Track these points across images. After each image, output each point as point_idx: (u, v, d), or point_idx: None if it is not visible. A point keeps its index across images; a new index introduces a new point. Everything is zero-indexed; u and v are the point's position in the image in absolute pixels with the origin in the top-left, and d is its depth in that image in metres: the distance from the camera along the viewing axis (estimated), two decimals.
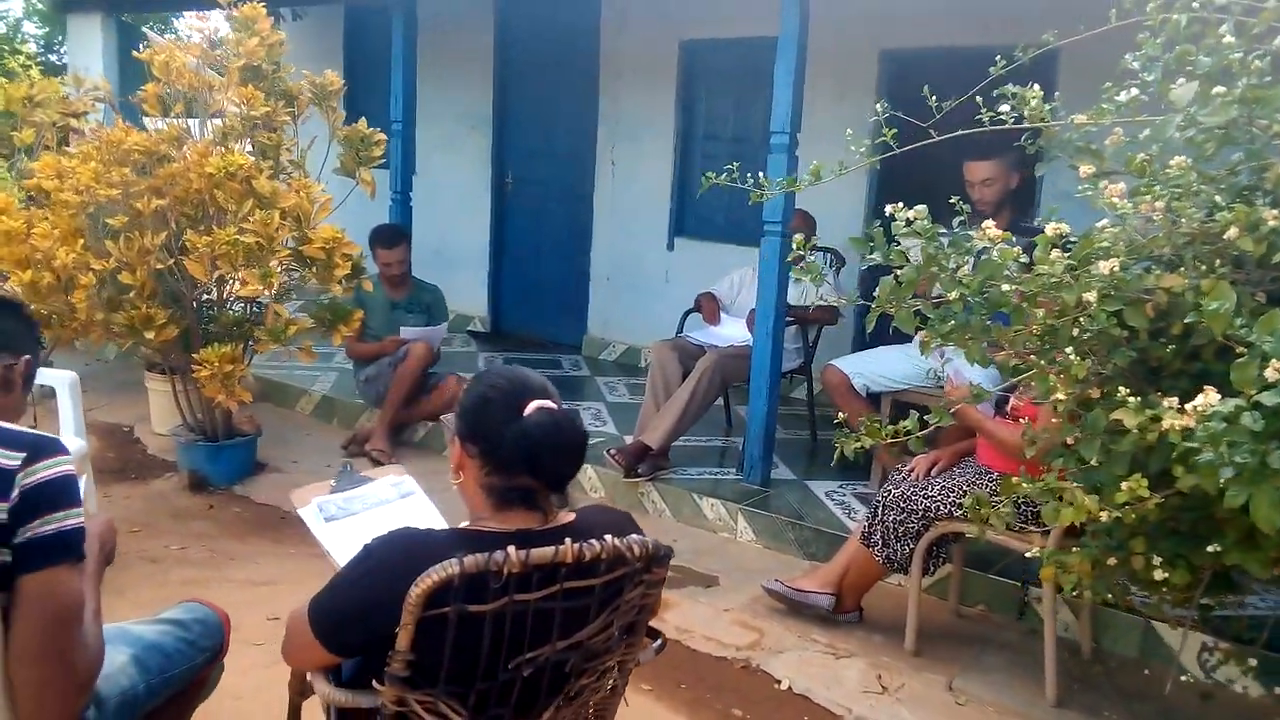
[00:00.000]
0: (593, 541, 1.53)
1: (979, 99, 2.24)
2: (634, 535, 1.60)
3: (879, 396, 4.19)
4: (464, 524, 1.67)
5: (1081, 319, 1.95)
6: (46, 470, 1.42)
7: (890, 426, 2.25)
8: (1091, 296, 1.95)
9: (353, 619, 1.56)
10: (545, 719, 1.66)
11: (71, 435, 3.50)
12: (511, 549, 1.47)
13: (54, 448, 1.44)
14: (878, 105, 2.56)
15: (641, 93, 6.45)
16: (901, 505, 3.05)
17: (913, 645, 3.13)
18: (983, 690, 2.97)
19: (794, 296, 4.68)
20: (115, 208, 3.75)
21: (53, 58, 12.29)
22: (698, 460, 4.57)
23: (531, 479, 1.58)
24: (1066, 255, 2.02)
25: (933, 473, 3.15)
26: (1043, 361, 2.06)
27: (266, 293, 3.76)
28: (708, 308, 4.76)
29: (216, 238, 3.63)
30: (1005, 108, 2.20)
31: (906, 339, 4.31)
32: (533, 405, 1.58)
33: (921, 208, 1.95)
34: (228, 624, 2.04)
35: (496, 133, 7.23)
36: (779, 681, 3.04)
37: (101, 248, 3.76)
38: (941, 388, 4.03)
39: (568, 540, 1.51)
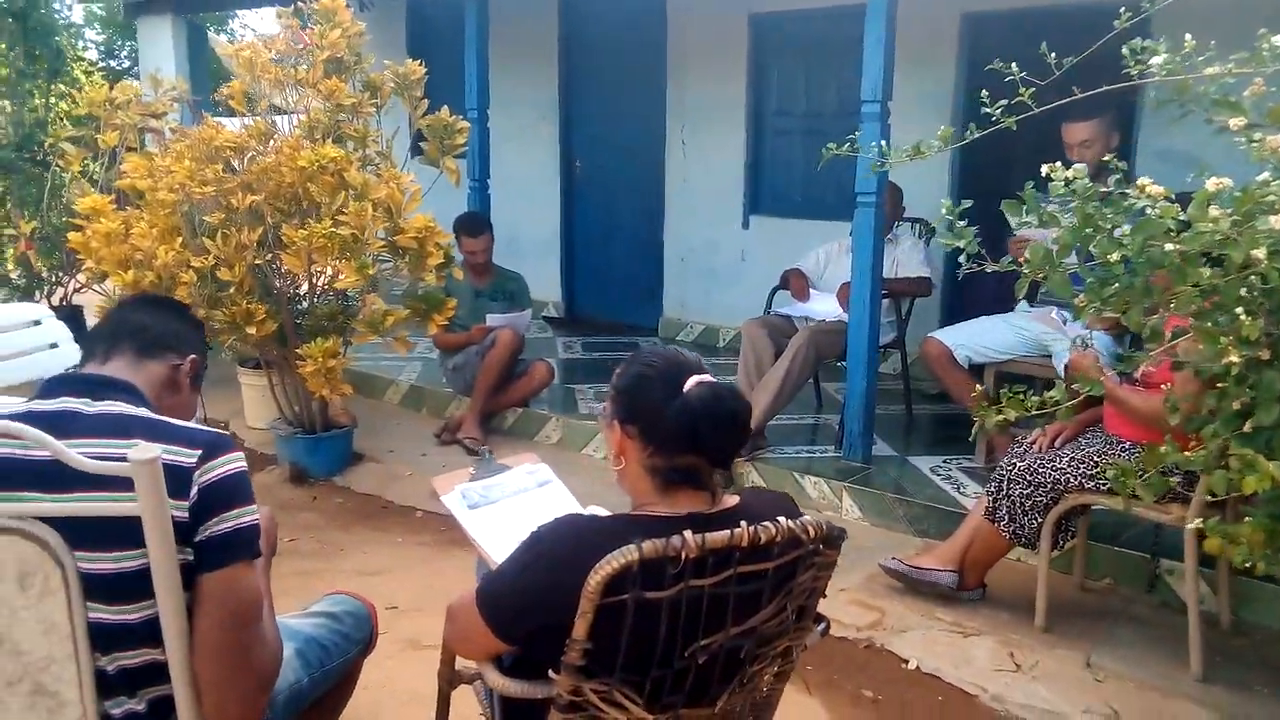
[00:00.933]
0: (767, 524, 1.48)
1: (1070, 59, 2.12)
2: (805, 517, 1.55)
3: (981, 368, 4.08)
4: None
5: (1252, 277, 1.85)
6: (223, 467, 1.40)
7: (1035, 398, 2.16)
8: (1261, 253, 1.84)
9: (526, 607, 1.53)
10: (719, 706, 1.62)
11: None
12: (688, 533, 1.43)
13: (228, 445, 1.43)
14: (996, 66, 2.42)
15: (711, 70, 6.36)
16: (1028, 479, 2.95)
17: (1043, 621, 3.04)
18: (1121, 666, 2.88)
19: (884, 269, 4.59)
20: (210, 205, 3.78)
21: (113, 63, 12.49)
22: (791, 438, 4.50)
23: (696, 456, 1.54)
24: (1229, 212, 1.91)
25: (1057, 444, 3.06)
26: (1207, 324, 1.96)
27: (362, 284, 3.76)
28: (796, 284, 4.68)
29: (313, 231, 3.64)
30: (1132, 63, 2.08)
31: (1007, 308, 4.21)
32: (692, 380, 1.54)
33: (1080, 166, 1.86)
34: (375, 615, 2.03)
35: (564, 119, 7.20)
36: (906, 661, 2.98)
37: (198, 245, 3.78)
38: (1046, 357, 3.94)
39: (743, 523, 1.46)
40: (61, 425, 1.38)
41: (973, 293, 5.59)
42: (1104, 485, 2.85)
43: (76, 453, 1.31)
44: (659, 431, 1.54)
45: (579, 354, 6.36)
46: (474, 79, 5.24)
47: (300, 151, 3.70)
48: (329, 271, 3.90)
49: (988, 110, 2.22)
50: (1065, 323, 3.05)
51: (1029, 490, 2.96)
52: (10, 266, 6.68)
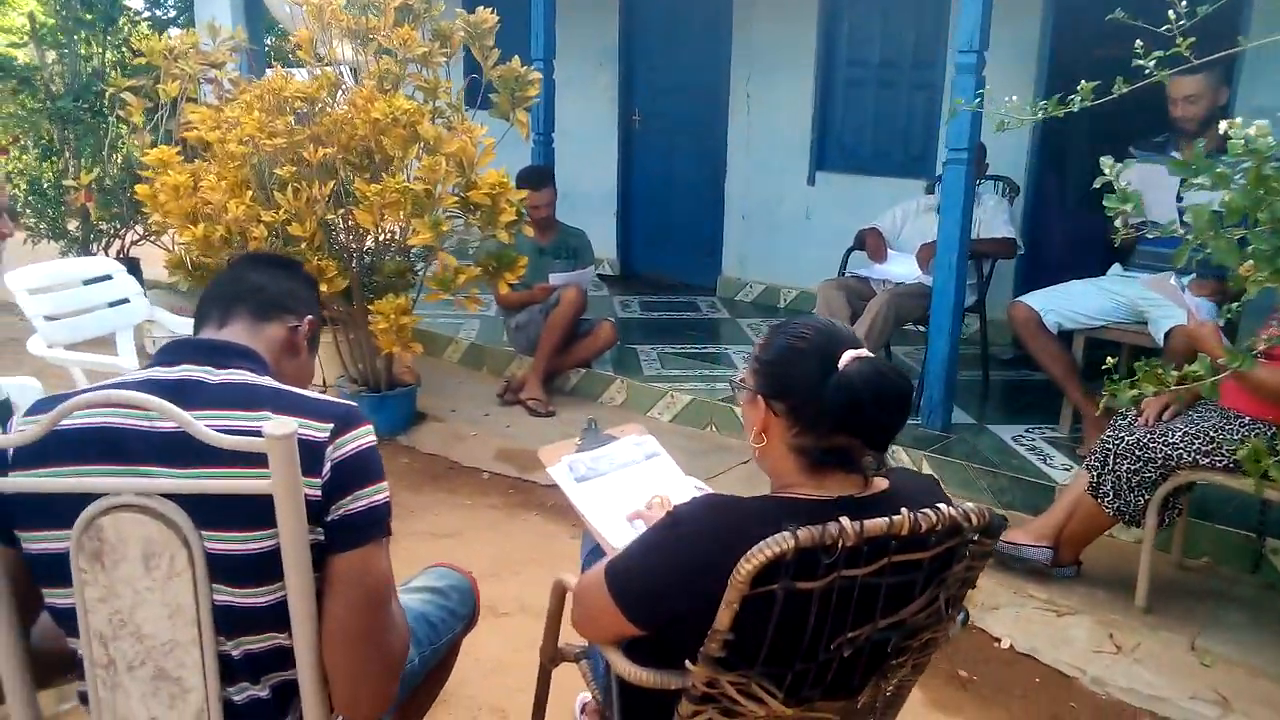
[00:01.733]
0: (927, 511, 1.38)
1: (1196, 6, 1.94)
2: (967, 504, 1.44)
3: (1070, 334, 3.92)
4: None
5: None
6: (355, 442, 1.31)
7: (1175, 372, 2.02)
8: None
9: (662, 591, 1.44)
10: (861, 700, 1.53)
11: None
12: (845, 520, 1.33)
13: (359, 417, 1.34)
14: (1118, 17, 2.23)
15: (778, 19, 6.14)
16: (1137, 454, 2.82)
17: (1144, 601, 2.92)
18: (1230, 650, 2.76)
19: None
20: (278, 158, 3.69)
21: (158, 12, 12.42)
22: None
23: (850, 437, 1.43)
24: None
25: (1164, 417, 2.92)
26: None
27: (434, 241, 3.66)
28: (874, 244, 4.52)
29: (386, 186, 3.54)
30: None
31: (1085, 272, 4.04)
32: (848, 355, 1.43)
33: (1263, 123, 1.70)
34: (477, 589, 1.96)
35: (624, 69, 7.01)
36: (998, 640, 2.88)
37: (268, 200, 3.70)
38: (1142, 324, 3.78)
39: (903, 510, 1.36)
40: (185, 395, 1.30)
41: (1045, 255, 5.41)
42: (1219, 462, 2.71)
43: (204, 425, 1.22)
44: (811, 410, 1.43)
45: (637, 313, 6.24)
46: (540, 26, 5.06)
47: (374, 103, 3.59)
48: (399, 227, 3.80)
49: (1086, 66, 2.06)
50: (1184, 291, 2.89)
51: (1138, 466, 2.82)
52: (69, 218, 6.67)
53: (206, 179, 3.73)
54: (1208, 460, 2.71)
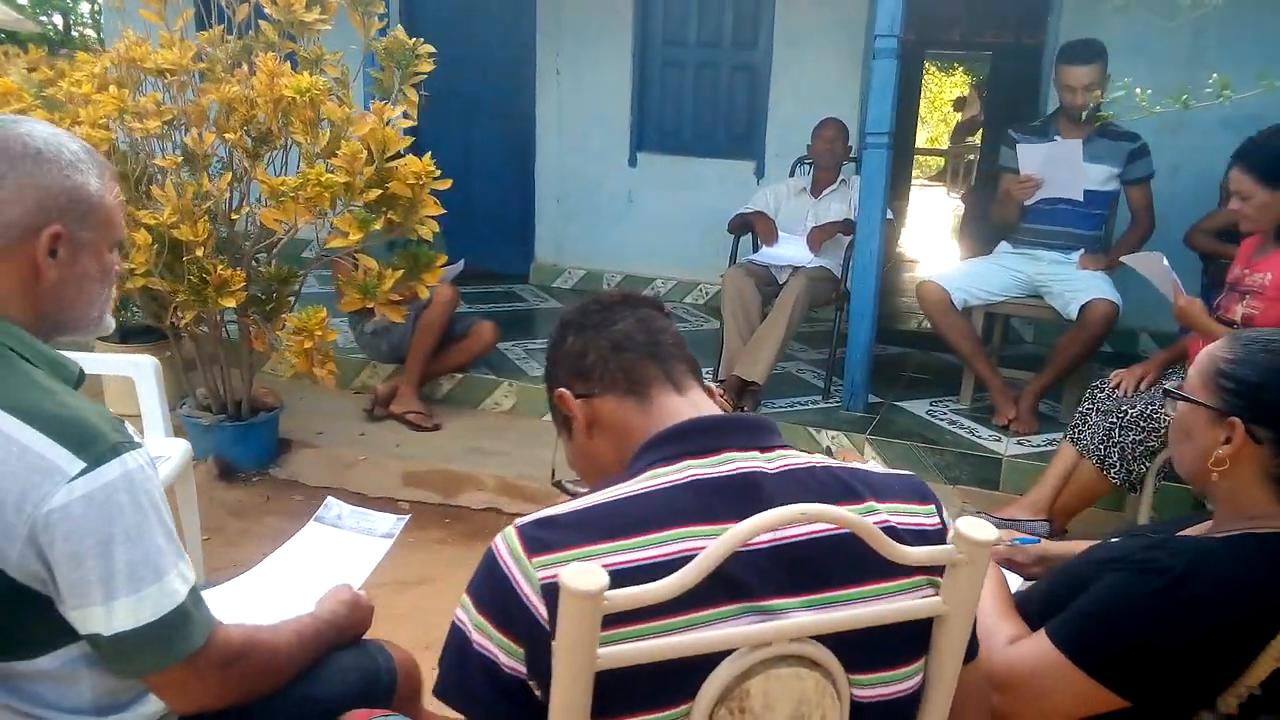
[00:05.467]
0: None
1: None
2: None
3: (970, 311, 4.11)
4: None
5: None
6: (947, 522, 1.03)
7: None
8: None
9: (1168, 656, 1.27)
10: None
11: (161, 435, 2.78)
12: None
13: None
14: None
15: None
16: (1142, 425, 2.99)
17: None
18: None
19: (842, 213, 4.51)
20: (154, 145, 2.97)
21: None
22: (772, 392, 4.31)
23: None
24: None
25: (1142, 387, 3.13)
26: None
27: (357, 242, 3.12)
28: (765, 228, 4.47)
29: (306, 177, 2.96)
30: None
31: (989, 250, 4.28)
32: None
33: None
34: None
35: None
36: None
37: (144, 198, 2.97)
38: (1039, 297, 4.05)
39: None
40: (749, 495, 0.95)
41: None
42: None
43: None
44: None
45: (462, 307, 5.76)
46: None
47: (281, 78, 2.97)
48: (301, 226, 3.20)
49: None
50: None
51: (1142, 436, 3.00)
52: None
53: None
54: None
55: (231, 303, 3.04)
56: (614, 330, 1.16)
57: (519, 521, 0.97)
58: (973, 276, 4.07)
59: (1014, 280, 4.04)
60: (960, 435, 3.90)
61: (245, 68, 3.10)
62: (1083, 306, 3.73)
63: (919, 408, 4.21)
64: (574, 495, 1.10)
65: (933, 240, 10.37)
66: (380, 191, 3.17)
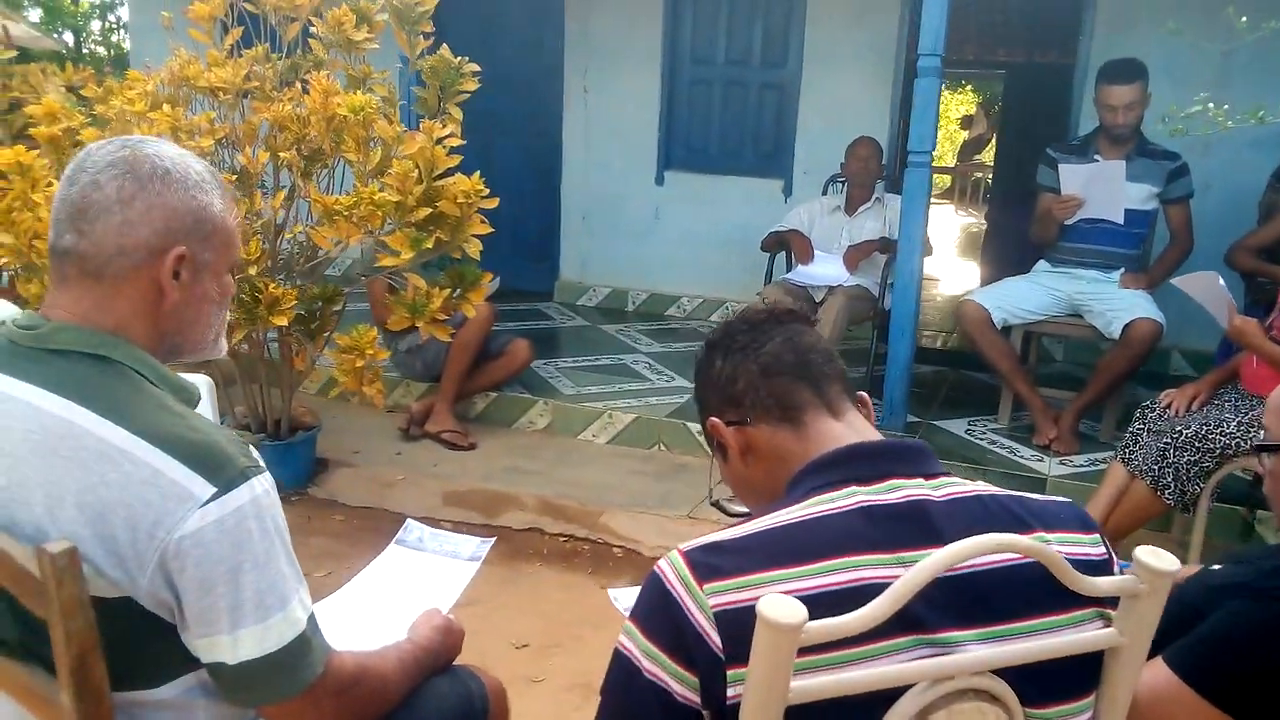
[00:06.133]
0: None
1: None
2: None
3: (1009, 330, 4.11)
4: None
5: None
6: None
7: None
8: None
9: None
10: None
11: None
12: None
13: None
14: None
15: (618, 11, 5.92)
16: (1197, 445, 2.97)
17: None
18: None
19: (880, 231, 4.52)
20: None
21: None
22: None
23: None
24: None
25: (1193, 407, 3.11)
26: None
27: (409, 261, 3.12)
28: (800, 246, 4.47)
29: (360, 196, 2.96)
30: None
31: (1028, 269, 4.27)
32: None
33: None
34: None
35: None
36: None
37: None
38: (1078, 316, 4.04)
39: None
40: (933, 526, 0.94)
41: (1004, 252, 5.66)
42: None
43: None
44: None
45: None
46: None
47: (334, 96, 2.98)
48: (352, 244, 3.20)
49: None
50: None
51: (1197, 457, 2.98)
52: None
53: None
54: None
55: (283, 321, 3.02)
56: (762, 352, 1.14)
57: (684, 547, 0.95)
58: (1012, 295, 4.06)
59: (1053, 299, 4.03)
60: (1001, 455, 3.89)
61: (297, 86, 3.10)
62: (1126, 326, 3.72)
63: (957, 427, 4.19)
64: (732, 515, 1.09)
65: (946, 258, 10.37)
66: (430, 210, 3.18)
